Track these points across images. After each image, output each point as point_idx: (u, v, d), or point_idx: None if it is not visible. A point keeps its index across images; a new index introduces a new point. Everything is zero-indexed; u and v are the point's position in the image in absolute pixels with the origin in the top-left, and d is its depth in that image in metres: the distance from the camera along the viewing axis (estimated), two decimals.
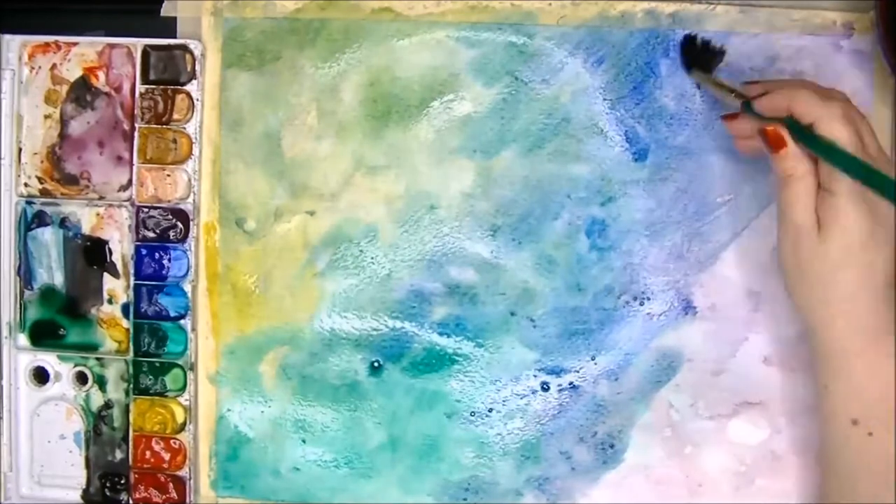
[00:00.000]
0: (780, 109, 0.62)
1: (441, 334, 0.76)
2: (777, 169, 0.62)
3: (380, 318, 0.76)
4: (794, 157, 0.61)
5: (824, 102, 0.60)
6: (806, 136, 0.60)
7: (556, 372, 0.75)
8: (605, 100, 0.74)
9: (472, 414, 0.76)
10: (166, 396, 0.79)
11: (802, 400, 0.73)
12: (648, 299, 0.74)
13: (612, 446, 0.75)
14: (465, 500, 0.77)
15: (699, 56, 0.72)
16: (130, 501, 0.79)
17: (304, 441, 0.78)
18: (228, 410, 0.78)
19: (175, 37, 0.77)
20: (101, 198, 0.78)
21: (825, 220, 0.61)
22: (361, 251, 0.76)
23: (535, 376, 0.76)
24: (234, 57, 0.77)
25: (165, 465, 0.79)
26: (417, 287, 0.76)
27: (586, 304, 0.75)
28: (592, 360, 0.75)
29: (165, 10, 0.77)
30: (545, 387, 0.76)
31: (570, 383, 0.75)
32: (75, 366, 0.79)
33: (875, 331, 0.62)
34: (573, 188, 0.74)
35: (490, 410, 0.76)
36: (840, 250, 0.60)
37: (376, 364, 0.77)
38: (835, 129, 0.59)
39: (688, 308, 0.74)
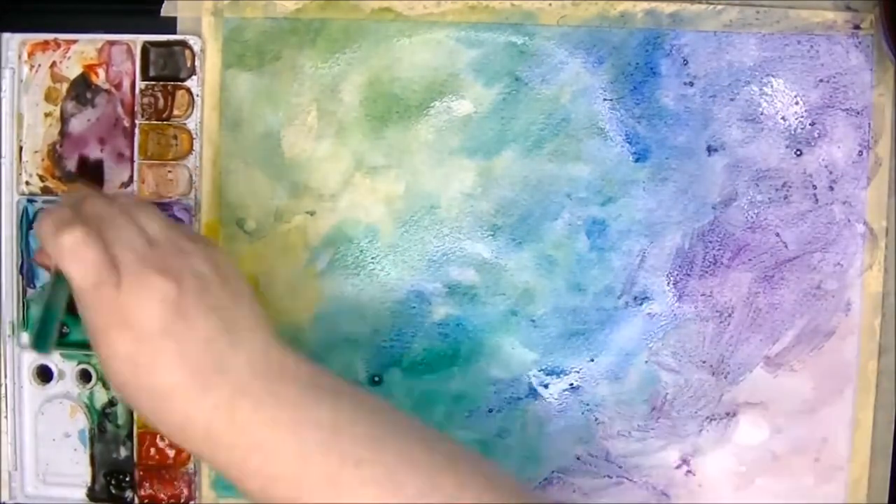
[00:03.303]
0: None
1: (441, 334, 0.76)
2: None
3: (380, 318, 0.77)
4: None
5: (57, 238, 0.59)
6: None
7: (556, 372, 0.75)
8: (605, 100, 0.74)
9: (472, 414, 0.76)
10: None
11: (802, 400, 0.74)
12: (648, 299, 0.75)
13: (612, 447, 0.76)
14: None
15: None
16: (136, 499, 0.80)
17: None
18: None
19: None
20: None
21: None
22: (361, 251, 0.76)
23: (535, 376, 0.76)
24: (234, 57, 0.76)
25: (170, 462, 0.79)
26: (417, 287, 0.76)
27: (586, 305, 0.75)
28: (592, 360, 0.75)
29: (165, 10, 0.76)
30: (545, 387, 0.76)
31: (570, 384, 0.75)
32: (79, 363, 0.79)
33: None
34: (573, 188, 0.74)
35: (490, 411, 0.76)
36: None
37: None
38: (67, 269, 0.59)
39: (688, 308, 0.74)
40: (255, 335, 0.60)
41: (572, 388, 0.75)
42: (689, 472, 0.75)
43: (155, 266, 0.58)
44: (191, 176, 0.77)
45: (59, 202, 0.65)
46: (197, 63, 0.77)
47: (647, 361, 0.75)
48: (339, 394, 0.60)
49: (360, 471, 0.56)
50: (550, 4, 0.73)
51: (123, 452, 0.80)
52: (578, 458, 0.76)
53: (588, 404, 0.75)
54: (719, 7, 0.72)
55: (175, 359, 0.57)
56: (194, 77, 0.77)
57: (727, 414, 0.74)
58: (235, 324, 0.59)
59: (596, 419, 0.76)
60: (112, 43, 0.77)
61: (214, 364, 0.57)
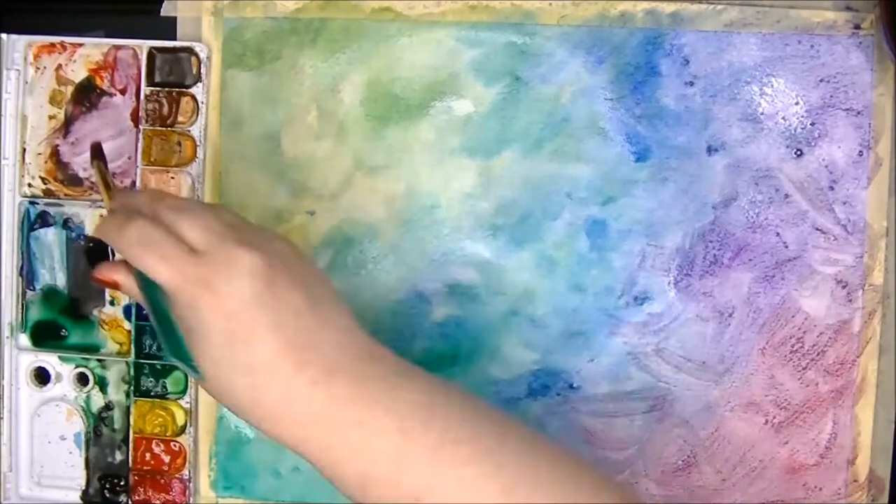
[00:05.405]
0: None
1: (441, 334, 0.76)
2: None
3: (380, 318, 0.76)
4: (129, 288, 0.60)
5: (122, 234, 0.57)
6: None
7: (556, 372, 0.75)
8: (605, 100, 0.74)
9: None
10: (167, 399, 0.79)
11: (802, 400, 0.73)
12: (648, 299, 0.74)
13: (612, 447, 0.75)
14: None
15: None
16: (130, 503, 0.79)
17: None
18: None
19: (175, 37, 0.77)
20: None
21: None
22: (361, 251, 0.76)
23: (535, 376, 0.75)
24: (234, 57, 0.77)
25: (165, 468, 0.79)
26: (417, 287, 0.76)
27: (586, 305, 0.74)
28: (592, 360, 0.75)
29: (165, 10, 0.77)
30: (545, 387, 0.75)
31: (570, 384, 0.75)
32: (76, 367, 0.79)
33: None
34: (573, 188, 0.74)
35: None
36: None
37: None
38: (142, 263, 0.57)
39: (688, 308, 0.74)
40: (339, 314, 0.58)
41: (572, 388, 0.75)
42: (689, 472, 0.74)
43: (237, 240, 0.56)
44: (193, 183, 0.77)
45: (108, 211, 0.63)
46: (203, 70, 0.77)
47: (647, 361, 0.74)
48: (427, 377, 0.59)
49: (458, 448, 0.54)
50: (550, 4, 0.74)
51: (119, 457, 0.79)
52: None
53: (588, 404, 0.75)
54: (719, 7, 0.73)
55: (270, 330, 0.55)
56: (200, 84, 0.77)
57: (727, 414, 0.74)
58: (320, 301, 0.57)
59: (596, 419, 0.75)
60: (118, 47, 0.78)
61: (306, 338, 0.55)
